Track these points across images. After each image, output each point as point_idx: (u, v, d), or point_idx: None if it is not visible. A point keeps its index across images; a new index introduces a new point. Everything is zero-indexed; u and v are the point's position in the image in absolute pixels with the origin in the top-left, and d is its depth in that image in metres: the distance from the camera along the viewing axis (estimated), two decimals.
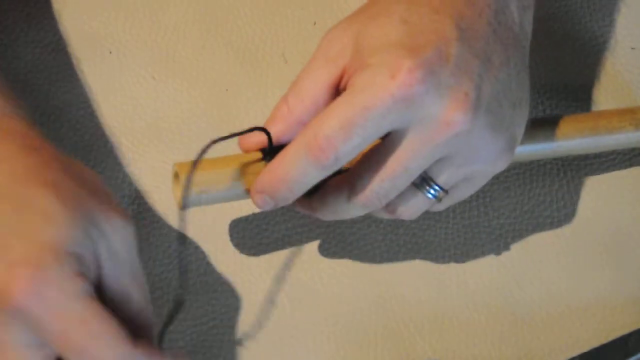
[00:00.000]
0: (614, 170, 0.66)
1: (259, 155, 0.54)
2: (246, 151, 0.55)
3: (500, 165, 0.54)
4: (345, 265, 0.62)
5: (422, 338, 0.61)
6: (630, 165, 0.66)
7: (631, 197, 0.65)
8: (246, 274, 0.61)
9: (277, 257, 0.62)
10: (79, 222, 0.46)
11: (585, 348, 0.62)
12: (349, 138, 0.49)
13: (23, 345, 0.45)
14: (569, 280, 0.63)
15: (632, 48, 0.68)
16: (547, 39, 0.67)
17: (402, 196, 0.53)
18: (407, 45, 0.49)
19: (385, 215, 0.55)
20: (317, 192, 0.54)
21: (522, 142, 0.56)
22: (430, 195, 0.53)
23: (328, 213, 0.55)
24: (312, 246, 0.62)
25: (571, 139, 0.60)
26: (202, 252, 0.61)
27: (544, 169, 0.65)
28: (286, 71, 0.64)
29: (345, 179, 0.53)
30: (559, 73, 0.67)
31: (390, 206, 0.54)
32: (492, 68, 0.51)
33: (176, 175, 0.53)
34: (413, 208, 0.54)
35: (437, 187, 0.53)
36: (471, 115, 0.50)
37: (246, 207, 0.61)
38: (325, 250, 0.62)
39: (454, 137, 0.50)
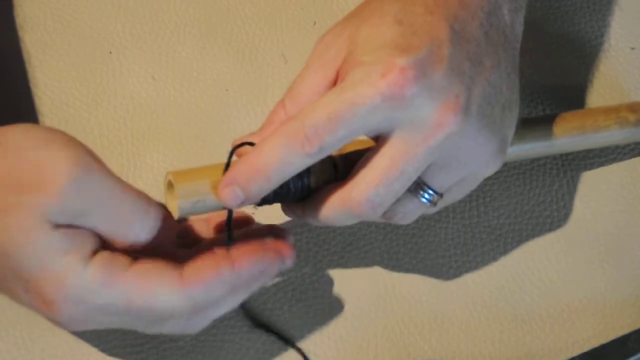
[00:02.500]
0: (613, 170, 0.66)
1: None
2: (240, 156, 0.53)
3: (493, 168, 0.54)
4: (345, 265, 0.62)
5: (422, 338, 0.61)
6: (630, 165, 0.66)
7: (631, 197, 0.65)
8: None
9: None
10: (30, 229, 0.46)
11: (585, 348, 0.62)
12: (335, 131, 0.49)
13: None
14: (569, 280, 0.63)
15: (632, 48, 0.68)
16: (546, 39, 0.67)
17: (397, 202, 0.53)
18: (400, 45, 0.49)
19: (380, 220, 0.55)
20: (310, 199, 0.54)
21: (512, 143, 0.56)
22: (424, 200, 0.53)
23: (320, 220, 0.54)
24: (312, 246, 0.62)
25: (559, 138, 0.60)
26: None
27: (544, 168, 0.65)
28: (286, 71, 0.64)
29: (340, 187, 0.52)
30: (558, 73, 0.67)
31: (385, 212, 0.54)
32: (483, 70, 0.51)
33: (170, 185, 0.51)
34: (408, 213, 0.54)
35: (431, 192, 0.53)
36: (462, 117, 0.50)
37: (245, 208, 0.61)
38: (325, 250, 0.62)
39: (445, 139, 0.50)
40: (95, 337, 0.59)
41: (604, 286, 0.63)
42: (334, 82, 0.52)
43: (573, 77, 0.67)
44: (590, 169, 0.66)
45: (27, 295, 0.48)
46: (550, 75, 0.67)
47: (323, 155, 0.50)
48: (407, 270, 0.62)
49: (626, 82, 0.67)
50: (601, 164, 0.66)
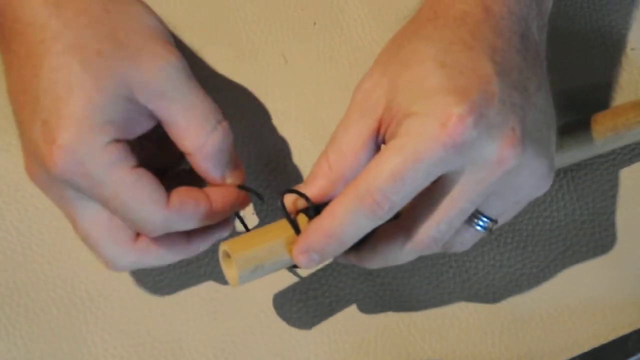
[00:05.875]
0: (614, 170, 0.66)
1: (304, 217, 0.53)
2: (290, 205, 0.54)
3: (545, 187, 0.53)
4: (345, 266, 0.62)
5: (422, 338, 0.61)
6: (630, 165, 0.66)
7: (631, 197, 0.65)
8: None
9: None
10: (103, 87, 0.49)
11: (585, 348, 0.62)
12: (402, 190, 0.49)
13: (77, 197, 0.51)
14: (569, 280, 0.63)
15: (632, 48, 0.68)
16: (547, 39, 0.67)
17: (454, 233, 0.53)
18: (451, 90, 0.48)
19: (438, 251, 0.54)
20: (367, 243, 0.54)
21: None
22: (479, 228, 0.53)
23: (379, 262, 0.54)
24: None
25: (595, 142, 0.60)
26: (202, 253, 0.61)
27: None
28: (286, 71, 0.64)
29: (398, 226, 0.52)
30: (558, 74, 0.67)
31: (444, 244, 0.54)
32: (529, 97, 0.51)
33: (226, 255, 0.53)
34: (465, 242, 0.54)
35: (486, 219, 0.53)
36: (520, 150, 0.49)
37: (245, 210, 0.61)
38: None
39: (506, 173, 0.50)
40: (95, 337, 0.59)
41: (604, 286, 0.63)
42: (377, 131, 0.51)
43: (573, 78, 0.67)
44: (589, 169, 0.66)
45: (42, 127, 0.49)
46: (550, 75, 0.66)
47: (393, 214, 0.50)
48: (407, 270, 0.62)
49: (626, 82, 0.67)
50: (601, 164, 0.66)
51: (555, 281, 0.63)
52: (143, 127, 0.51)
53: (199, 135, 0.52)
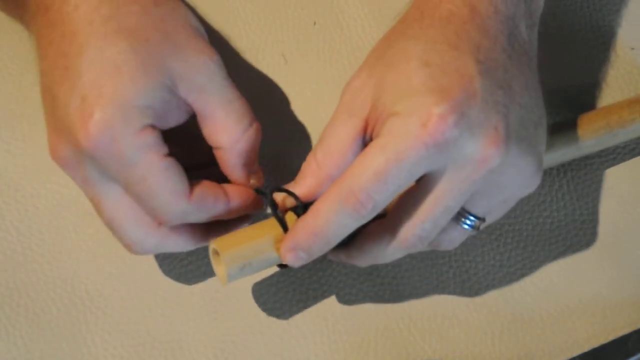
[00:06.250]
0: (614, 170, 0.66)
1: (292, 216, 0.53)
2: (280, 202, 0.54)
3: (532, 187, 0.53)
4: (345, 266, 0.62)
5: (422, 338, 0.61)
6: (630, 165, 0.66)
7: (631, 197, 0.65)
8: None
9: None
10: (149, 72, 0.50)
11: (585, 348, 0.62)
12: (384, 189, 0.49)
13: (103, 179, 0.51)
14: (569, 280, 0.63)
15: (632, 48, 0.68)
16: (546, 39, 0.66)
17: (442, 232, 0.53)
18: (433, 90, 0.49)
19: (426, 249, 0.55)
20: (354, 241, 0.54)
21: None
22: (467, 227, 0.53)
23: (367, 260, 0.55)
24: None
25: (588, 140, 0.60)
26: (203, 253, 0.61)
27: (544, 169, 0.65)
28: (286, 71, 0.64)
29: (384, 225, 0.53)
30: (558, 74, 0.67)
31: (431, 242, 0.54)
32: (514, 95, 0.51)
33: (215, 253, 0.53)
34: (453, 240, 0.55)
35: (473, 218, 0.53)
36: (504, 148, 0.50)
37: None
38: None
39: (489, 172, 0.50)
40: (95, 337, 0.59)
41: (604, 286, 0.63)
42: (364, 131, 0.52)
43: (573, 78, 0.67)
44: (589, 169, 0.66)
45: (80, 102, 0.49)
46: (549, 75, 0.66)
47: (376, 213, 0.50)
48: (407, 270, 0.62)
49: (626, 82, 0.67)
50: (601, 164, 0.66)
51: (555, 281, 0.63)
52: (176, 119, 0.52)
53: (235, 130, 0.53)
